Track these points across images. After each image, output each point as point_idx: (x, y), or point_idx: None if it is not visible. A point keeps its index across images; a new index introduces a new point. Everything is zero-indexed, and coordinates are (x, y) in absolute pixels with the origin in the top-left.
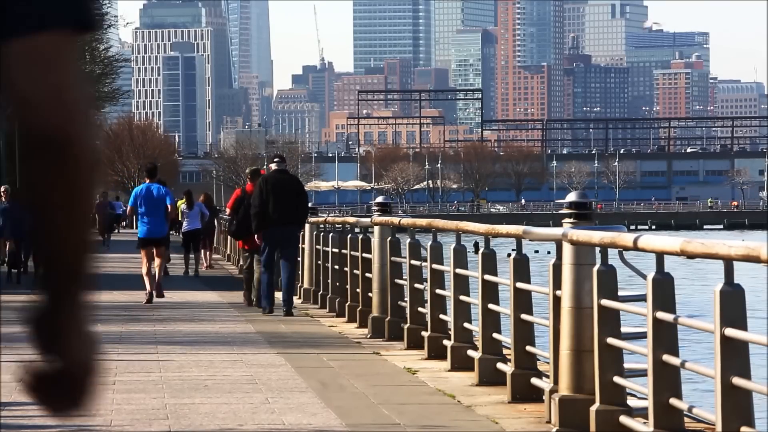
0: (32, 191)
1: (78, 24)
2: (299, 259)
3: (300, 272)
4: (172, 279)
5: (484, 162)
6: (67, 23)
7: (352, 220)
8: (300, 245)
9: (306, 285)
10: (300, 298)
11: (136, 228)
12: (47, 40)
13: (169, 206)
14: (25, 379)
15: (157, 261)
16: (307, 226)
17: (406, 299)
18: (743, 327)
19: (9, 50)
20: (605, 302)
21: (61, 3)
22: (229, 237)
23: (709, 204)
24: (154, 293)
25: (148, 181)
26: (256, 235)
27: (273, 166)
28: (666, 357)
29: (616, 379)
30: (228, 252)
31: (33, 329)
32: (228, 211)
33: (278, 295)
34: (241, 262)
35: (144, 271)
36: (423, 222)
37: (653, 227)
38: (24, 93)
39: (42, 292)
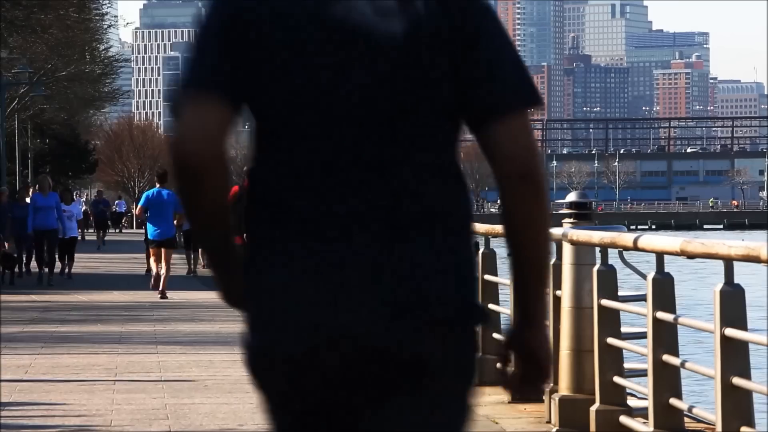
0: (518, 215)
1: (534, 103)
2: None
3: None
4: (173, 279)
5: (484, 162)
6: (529, 103)
7: None
8: None
9: None
10: None
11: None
12: (522, 117)
13: (177, 213)
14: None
15: (164, 266)
16: None
17: None
18: (743, 327)
19: (497, 124)
20: (605, 302)
21: (526, 87)
22: None
23: (710, 204)
24: (159, 286)
25: (159, 185)
26: (244, 236)
27: None
28: (666, 357)
29: (616, 379)
30: None
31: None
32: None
33: None
34: None
35: (153, 259)
36: None
37: (653, 227)
38: (510, 147)
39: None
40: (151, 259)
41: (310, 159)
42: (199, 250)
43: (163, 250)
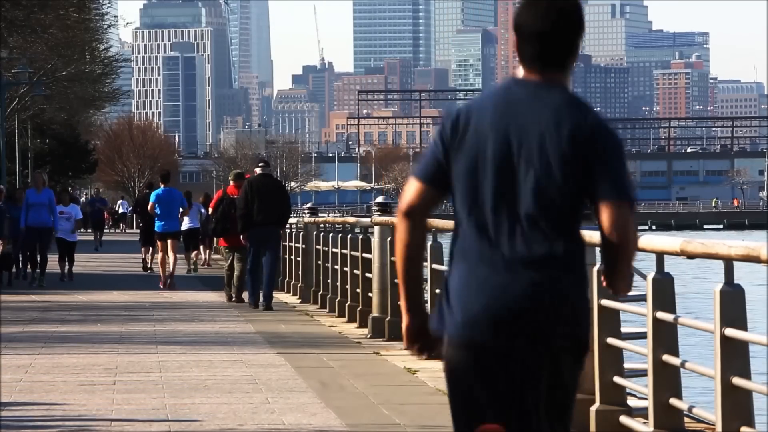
0: (618, 264)
1: (633, 201)
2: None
3: (300, 272)
4: (174, 278)
5: None
6: (631, 199)
7: (352, 220)
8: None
9: (306, 285)
10: (299, 298)
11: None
12: (621, 205)
13: (181, 208)
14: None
15: (171, 256)
16: (307, 226)
17: None
18: (743, 327)
19: (602, 207)
20: (605, 302)
21: (627, 188)
22: None
23: (713, 204)
24: (168, 281)
25: (163, 185)
26: (241, 236)
27: (258, 171)
28: (666, 357)
29: (616, 379)
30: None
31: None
32: (210, 210)
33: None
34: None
35: (160, 260)
36: None
37: (653, 227)
38: (609, 227)
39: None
40: (159, 258)
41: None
42: (201, 247)
43: (169, 241)
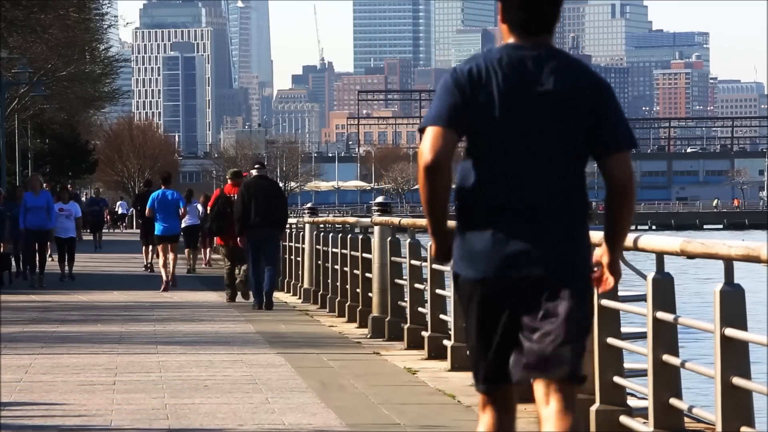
0: (622, 212)
1: (633, 146)
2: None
3: (300, 272)
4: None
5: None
6: (630, 147)
7: (352, 220)
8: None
9: (306, 285)
10: (300, 298)
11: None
12: (626, 154)
13: (181, 209)
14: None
15: (171, 256)
16: (307, 226)
17: (406, 299)
18: (743, 327)
19: (611, 158)
20: (605, 302)
21: (630, 136)
22: None
23: (714, 205)
24: (170, 282)
25: (163, 187)
26: (239, 238)
27: (254, 172)
28: (666, 357)
29: (616, 379)
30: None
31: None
32: (208, 210)
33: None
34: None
35: (161, 263)
36: (423, 222)
37: (653, 227)
38: (618, 175)
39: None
40: (160, 262)
41: (501, 169)
42: (200, 248)
43: (169, 244)
